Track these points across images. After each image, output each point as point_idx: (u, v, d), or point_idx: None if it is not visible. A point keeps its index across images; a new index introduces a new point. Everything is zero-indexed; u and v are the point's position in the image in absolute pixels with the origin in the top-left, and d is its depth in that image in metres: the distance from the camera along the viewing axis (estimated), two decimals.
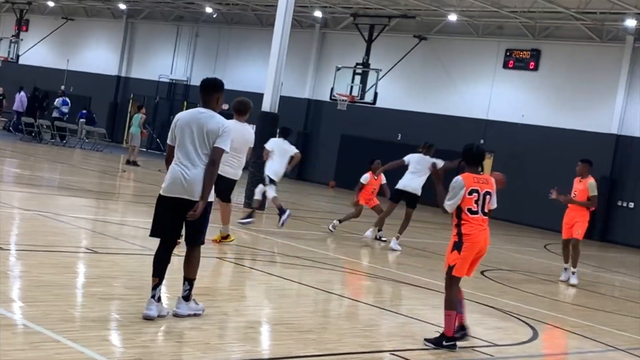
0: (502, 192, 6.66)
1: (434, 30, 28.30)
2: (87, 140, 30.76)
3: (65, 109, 30.40)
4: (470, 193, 6.78)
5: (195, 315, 6.45)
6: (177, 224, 6.34)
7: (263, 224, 15.51)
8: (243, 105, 10.39)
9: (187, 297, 6.44)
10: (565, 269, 12.84)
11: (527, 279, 12.93)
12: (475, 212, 6.79)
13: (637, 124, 24.06)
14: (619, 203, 24.22)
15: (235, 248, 10.93)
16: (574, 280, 12.48)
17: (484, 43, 27.34)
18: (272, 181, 13.61)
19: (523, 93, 26.37)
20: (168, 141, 6.46)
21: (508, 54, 26.67)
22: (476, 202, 6.79)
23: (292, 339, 6.42)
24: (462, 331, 7.01)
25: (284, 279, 9.19)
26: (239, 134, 9.86)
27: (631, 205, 24.11)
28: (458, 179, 6.82)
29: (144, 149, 34.00)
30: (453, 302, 6.82)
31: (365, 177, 14.93)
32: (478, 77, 27.36)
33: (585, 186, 12.50)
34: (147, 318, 6.11)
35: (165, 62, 36.15)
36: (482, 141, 26.69)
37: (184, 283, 6.46)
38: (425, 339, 6.87)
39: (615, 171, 24.32)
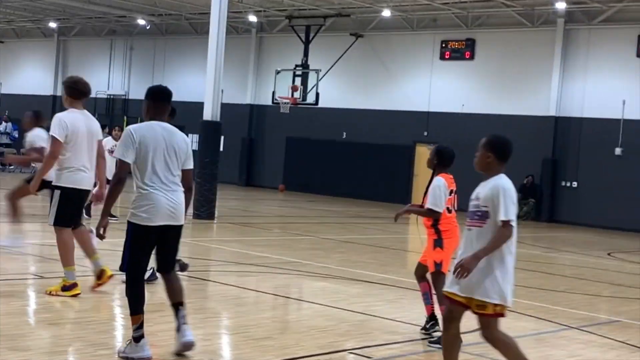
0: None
1: (369, 27, 28.48)
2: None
3: (16, 134, 29.79)
4: (450, 193, 7.06)
5: None
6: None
7: (214, 233, 15.42)
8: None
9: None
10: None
11: None
12: (450, 211, 7.09)
13: (573, 105, 24.58)
14: (563, 183, 24.72)
15: (187, 261, 10.80)
16: None
17: (419, 36, 27.61)
18: None
19: (461, 83, 26.72)
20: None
21: (444, 45, 26.98)
22: (452, 201, 7.14)
23: (250, 347, 6.39)
24: (432, 321, 7.14)
25: (239, 287, 9.14)
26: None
27: (574, 184, 24.61)
28: (441, 180, 6.98)
29: None
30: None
31: None
32: (416, 70, 27.63)
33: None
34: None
35: (101, 78, 35.61)
36: (425, 133, 26.99)
37: (178, 310, 5.94)
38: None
39: (557, 152, 24.81)
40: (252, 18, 29.66)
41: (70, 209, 7.70)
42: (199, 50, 28.55)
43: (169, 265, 6.05)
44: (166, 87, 6.12)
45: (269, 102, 28.98)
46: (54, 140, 7.54)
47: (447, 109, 26.66)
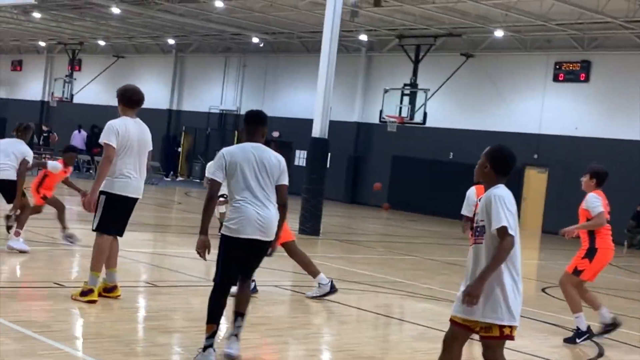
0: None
1: (480, 47, 28.16)
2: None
3: None
4: None
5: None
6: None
7: (318, 249, 15.54)
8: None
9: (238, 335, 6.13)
10: None
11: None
12: None
13: None
14: None
15: (291, 275, 10.95)
16: None
17: (532, 57, 27.08)
18: None
19: (575, 105, 26.00)
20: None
21: (557, 66, 26.37)
22: None
23: None
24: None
25: (342, 305, 9.17)
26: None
27: None
28: (472, 189, 7.52)
29: (197, 180, 34.42)
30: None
31: (56, 166, 11.85)
32: (528, 92, 27.08)
33: None
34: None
35: (215, 94, 36.67)
36: (535, 156, 26.36)
37: (237, 319, 6.15)
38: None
39: None
40: (363, 37, 29.84)
41: (113, 216, 7.62)
42: (310, 68, 28.98)
43: (247, 274, 6.18)
44: (261, 111, 6.28)
45: (376, 121, 29.04)
46: (107, 146, 7.49)
47: (559, 131, 25.99)
